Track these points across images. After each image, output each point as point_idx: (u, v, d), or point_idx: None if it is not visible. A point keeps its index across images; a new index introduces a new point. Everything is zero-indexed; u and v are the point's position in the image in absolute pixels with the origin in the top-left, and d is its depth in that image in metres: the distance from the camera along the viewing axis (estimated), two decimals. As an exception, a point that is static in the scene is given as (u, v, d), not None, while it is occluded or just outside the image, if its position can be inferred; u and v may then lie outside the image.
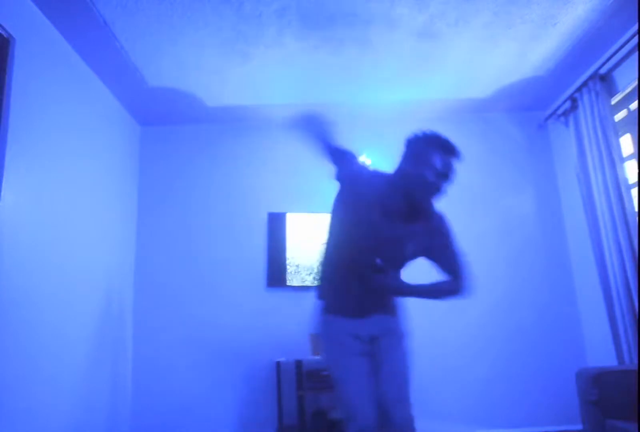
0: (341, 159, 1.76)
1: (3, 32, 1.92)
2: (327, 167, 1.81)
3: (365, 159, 3.26)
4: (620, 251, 2.57)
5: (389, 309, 1.72)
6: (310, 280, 3.21)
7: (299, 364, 2.89)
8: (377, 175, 1.72)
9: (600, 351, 2.89)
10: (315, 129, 1.83)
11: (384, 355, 1.64)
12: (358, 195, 1.66)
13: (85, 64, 2.69)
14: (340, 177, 1.74)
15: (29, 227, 2.11)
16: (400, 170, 1.65)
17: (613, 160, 2.62)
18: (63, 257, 2.39)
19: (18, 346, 1.98)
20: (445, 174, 1.57)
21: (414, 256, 1.70)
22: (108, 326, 2.87)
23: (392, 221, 1.62)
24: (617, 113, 2.79)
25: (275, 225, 3.33)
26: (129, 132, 3.41)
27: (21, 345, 2.01)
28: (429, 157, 1.57)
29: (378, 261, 1.56)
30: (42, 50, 2.26)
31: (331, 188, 1.78)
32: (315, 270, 1.80)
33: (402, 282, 1.65)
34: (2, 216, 1.89)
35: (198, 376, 3.14)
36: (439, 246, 1.68)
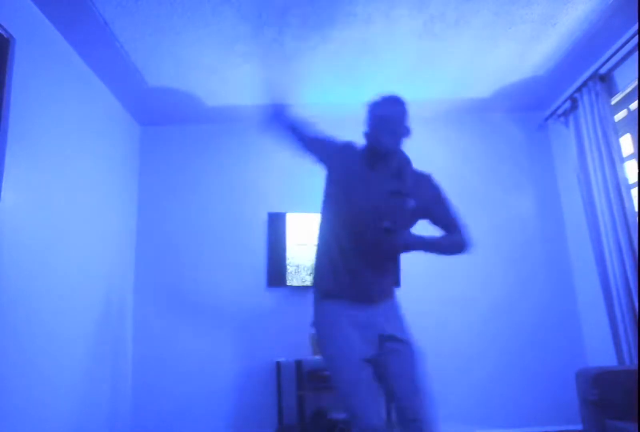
0: (314, 143, 1.83)
1: (3, 32, 1.92)
2: (305, 157, 1.85)
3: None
4: (620, 251, 2.57)
5: (390, 293, 1.74)
6: (310, 280, 3.20)
7: (299, 364, 2.89)
8: (350, 145, 1.80)
9: (600, 351, 2.89)
10: (282, 121, 1.89)
11: (394, 356, 1.61)
12: (342, 167, 1.74)
13: (85, 64, 2.69)
14: (320, 159, 1.81)
15: (29, 227, 2.11)
16: (364, 133, 1.75)
17: (613, 160, 2.62)
18: (63, 257, 2.39)
19: (18, 345, 1.98)
20: (393, 117, 1.69)
21: (414, 215, 1.71)
22: (108, 326, 2.88)
23: (382, 181, 1.67)
24: (617, 113, 2.79)
25: (275, 225, 3.33)
26: (129, 132, 3.41)
27: (21, 345, 2.01)
28: (376, 111, 1.72)
29: (386, 222, 1.57)
30: (42, 50, 2.26)
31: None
32: (313, 260, 1.78)
33: (419, 236, 1.62)
34: (2, 216, 1.89)
35: (198, 376, 3.14)
36: (435, 202, 1.74)
